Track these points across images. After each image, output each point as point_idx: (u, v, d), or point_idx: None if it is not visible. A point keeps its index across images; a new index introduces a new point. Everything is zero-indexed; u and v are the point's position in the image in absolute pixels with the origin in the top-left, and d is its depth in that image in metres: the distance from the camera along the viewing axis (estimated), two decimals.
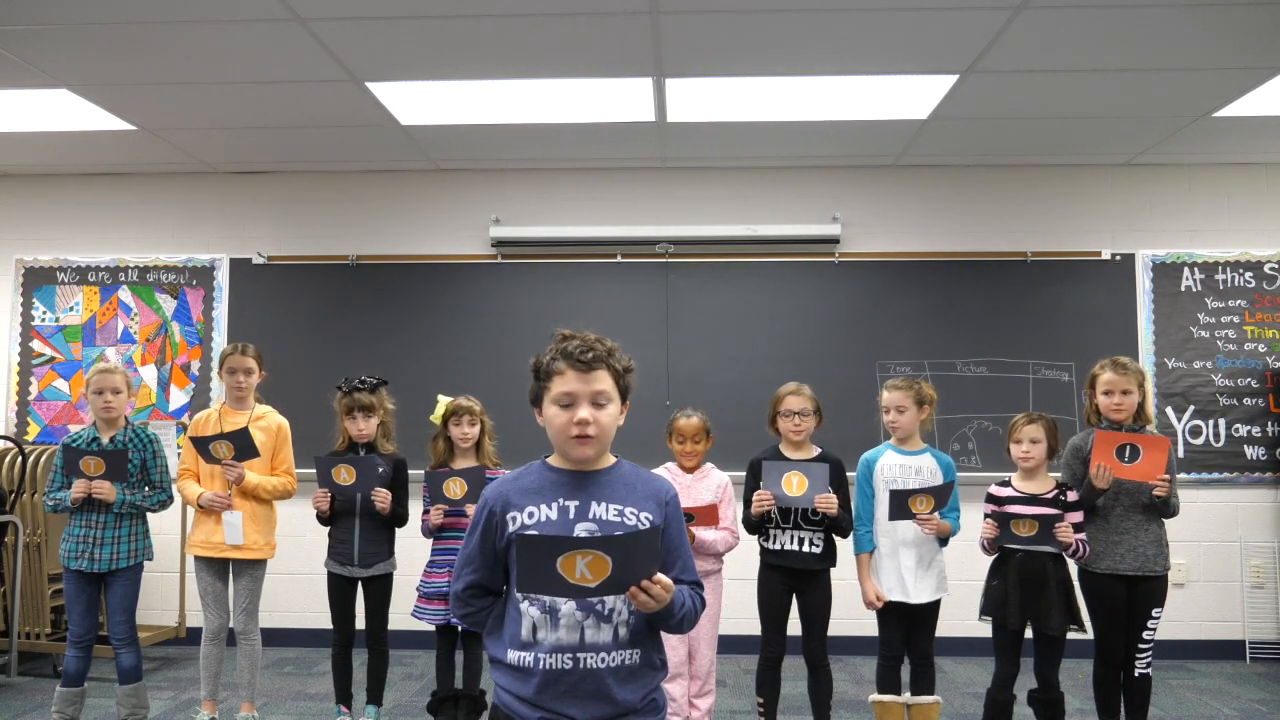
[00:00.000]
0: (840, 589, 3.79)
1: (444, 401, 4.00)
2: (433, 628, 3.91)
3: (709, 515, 3.66)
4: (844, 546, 3.77)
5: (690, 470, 3.88)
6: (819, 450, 3.74)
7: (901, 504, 3.53)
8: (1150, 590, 3.54)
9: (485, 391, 5.10)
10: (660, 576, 1.80)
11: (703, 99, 4.65)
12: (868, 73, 4.32)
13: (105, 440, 3.79)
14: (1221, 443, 5.46)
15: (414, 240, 5.75)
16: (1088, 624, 3.58)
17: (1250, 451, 5.44)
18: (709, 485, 3.86)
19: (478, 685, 3.92)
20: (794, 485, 3.52)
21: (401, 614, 4.06)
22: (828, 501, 3.54)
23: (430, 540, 3.97)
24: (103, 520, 3.72)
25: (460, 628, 3.83)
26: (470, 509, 3.77)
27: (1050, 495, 3.57)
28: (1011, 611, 3.50)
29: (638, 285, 5.60)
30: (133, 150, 5.41)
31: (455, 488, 3.76)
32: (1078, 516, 3.52)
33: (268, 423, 4.05)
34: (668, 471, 3.83)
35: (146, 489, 3.84)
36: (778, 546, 3.67)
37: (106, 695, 4.28)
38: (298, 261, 5.73)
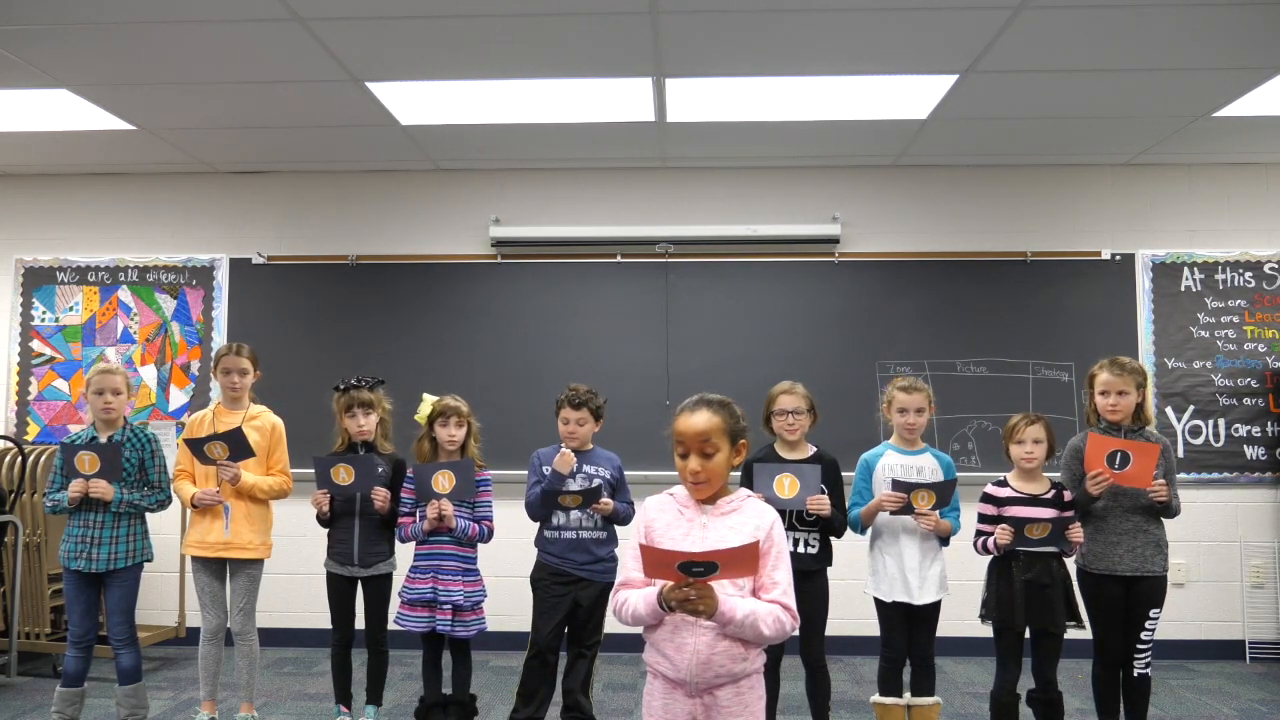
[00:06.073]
0: (838, 589, 3.78)
1: (429, 400, 3.92)
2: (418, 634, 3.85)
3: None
4: (840, 546, 3.76)
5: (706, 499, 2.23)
6: (814, 449, 3.73)
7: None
8: (1148, 590, 3.54)
9: (485, 391, 5.10)
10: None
11: (703, 99, 4.65)
12: (868, 73, 4.32)
13: (103, 440, 3.78)
14: (1221, 443, 5.45)
15: (414, 240, 5.75)
16: (1085, 620, 3.58)
17: (1250, 451, 5.44)
18: (741, 530, 2.16)
19: (468, 691, 3.89)
20: (785, 488, 3.48)
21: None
22: (819, 503, 3.51)
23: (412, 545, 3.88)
24: (101, 520, 3.71)
25: (447, 634, 3.81)
26: (439, 506, 3.71)
27: (1050, 495, 3.56)
28: (1018, 614, 3.49)
29: (638, 285, 5.60)
30: (133, 150, 5.41)
31: (444, 481, 3.71)
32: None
33: (262, 422, 4.04)
34: (673, 499, 2.26)
35: (145, 489, 3.83)
36: None
37: (106, 695, 4.28)
38: (297, 261, 5.73)
